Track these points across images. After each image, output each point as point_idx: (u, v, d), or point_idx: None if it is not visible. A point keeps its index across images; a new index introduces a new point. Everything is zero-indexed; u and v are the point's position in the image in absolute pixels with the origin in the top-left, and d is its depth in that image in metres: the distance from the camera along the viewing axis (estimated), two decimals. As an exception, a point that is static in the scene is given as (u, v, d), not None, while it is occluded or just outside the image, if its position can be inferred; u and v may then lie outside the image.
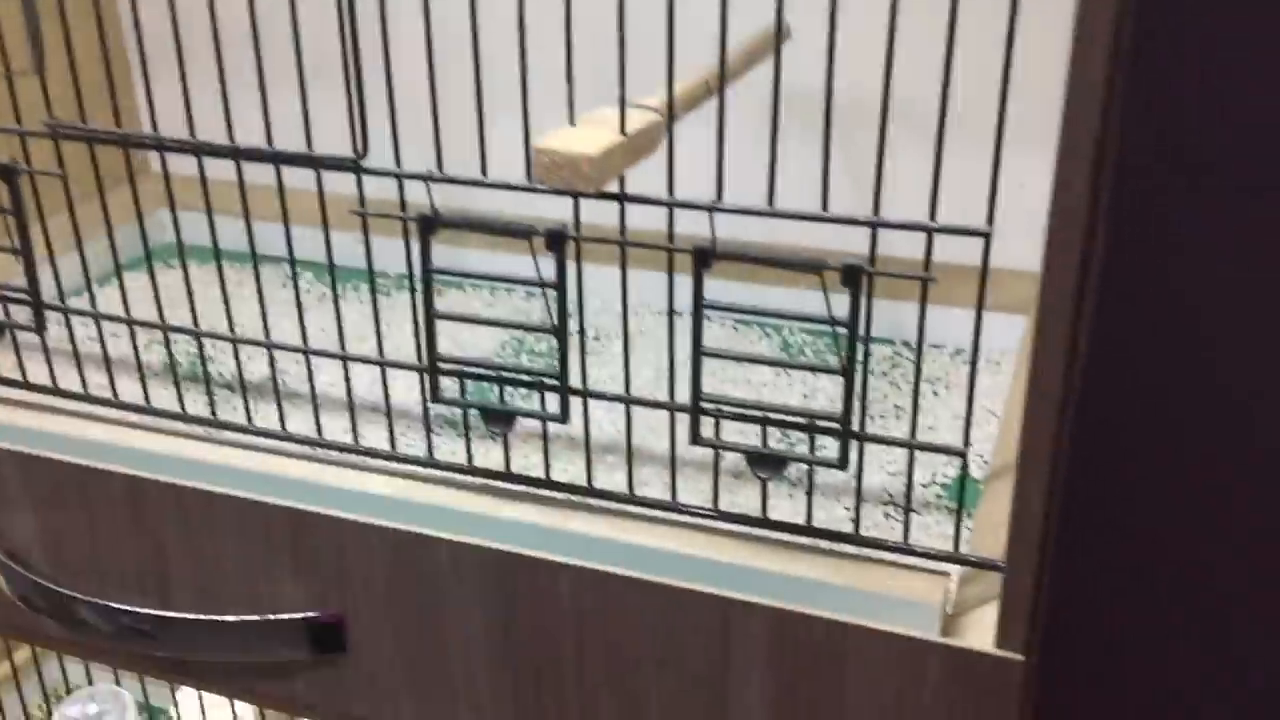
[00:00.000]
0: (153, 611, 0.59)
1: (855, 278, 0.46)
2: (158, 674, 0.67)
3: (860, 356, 0.47)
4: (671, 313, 0.51)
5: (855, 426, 0.49)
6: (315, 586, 0.57)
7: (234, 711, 1.06)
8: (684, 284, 0.49)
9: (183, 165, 0.57)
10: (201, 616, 0.59)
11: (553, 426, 0.54)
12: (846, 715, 0.49)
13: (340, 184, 0.54)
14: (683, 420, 0.52)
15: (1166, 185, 0.52)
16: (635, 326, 0.80)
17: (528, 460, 0.61)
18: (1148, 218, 0.46)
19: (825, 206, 0.47)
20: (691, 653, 0.51)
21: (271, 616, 0.57)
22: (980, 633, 0.47)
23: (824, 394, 0.70)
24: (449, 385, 0.55)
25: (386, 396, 0.58)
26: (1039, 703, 0.46)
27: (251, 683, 0.61)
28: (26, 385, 0.64)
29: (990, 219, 0.44)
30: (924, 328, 0.47)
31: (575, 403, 0.54)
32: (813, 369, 0.53)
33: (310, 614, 0.57)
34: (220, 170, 0.56)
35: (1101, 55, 0.37)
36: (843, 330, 0.47)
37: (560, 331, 0.52)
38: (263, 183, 0.55)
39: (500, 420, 0.55)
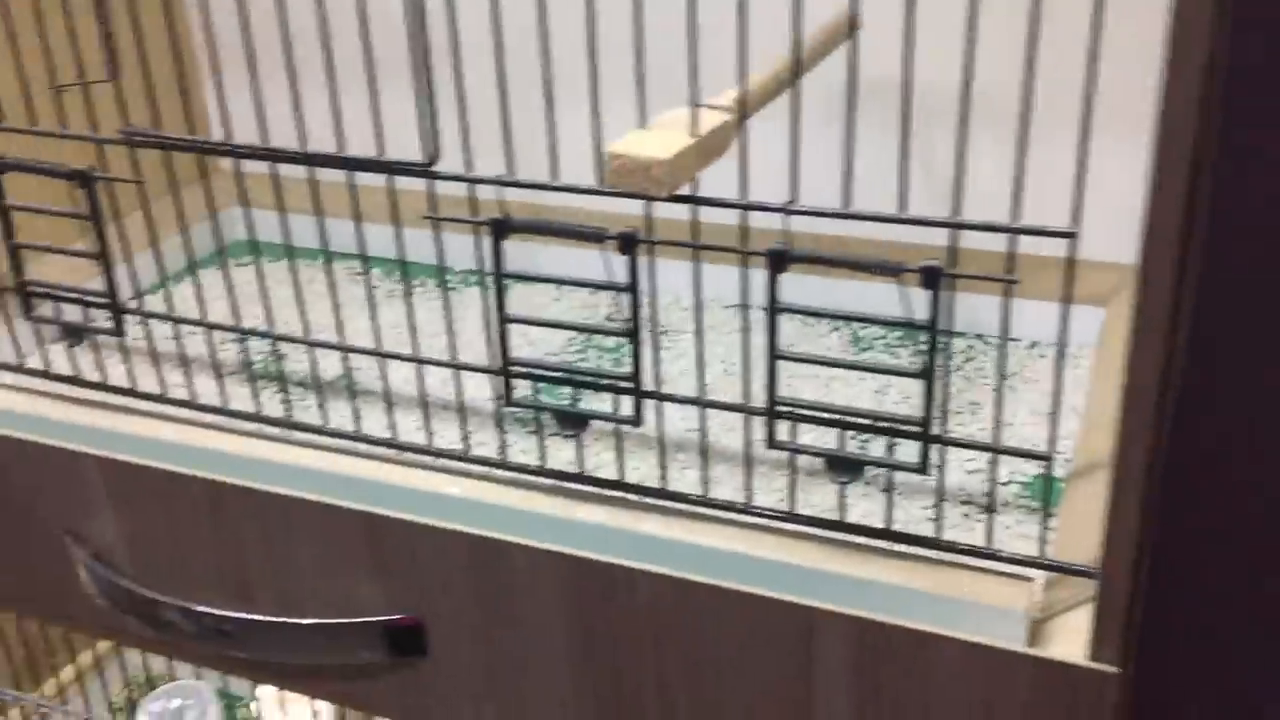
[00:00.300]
0: (233, 614, 0.60)
1: (935, 280, 0.45)
2: (239, 673, 0.68)
3: (940, 358, 0.46)
4: (746, 309, 0.50)
5: (936, 430, 0.48)
6: (393, 589, 0.57)
7: (312, 703, 1.07)
8: (756, 277, 0.48)
9: (255, 163, 0.57)
10: (281, 619, 0.59)
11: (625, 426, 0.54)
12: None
13: (411, 179, 0.53)
14: (756, 419, 0.51)
15: (1270, 177, 0.50)
16: (704, 321, 0.79)
17: (599, 458, 0.61)
18: (1249, 212, 0.44)
19: (903, 206, 0.46)
20: (773, 661, 0.50)
21: (350, 620, 0.58)
22: (1069, 639, 0.46)
23: (897, 389, 0.69)
24: (522, 385, 0.55)
25: (461, 402, 0.58)
26: (1136, 718, 0.45)
27: (331, 684, 0.61)
28: (106, 387, 0.65)
29: (1076, 219, 0.43)
30: (1008, 330, 0.46)
31: (647, 402, 0.53)
32: (892, 373, 0.51)
33: (388, 617, 0.57)
34: (292, 167, 0.56)
35: (1199, 53, 0.36)
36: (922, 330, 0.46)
37: (634, 335, 0.51)
38: (334, 179, 0.55)
39: (573, 423, 0.55)
